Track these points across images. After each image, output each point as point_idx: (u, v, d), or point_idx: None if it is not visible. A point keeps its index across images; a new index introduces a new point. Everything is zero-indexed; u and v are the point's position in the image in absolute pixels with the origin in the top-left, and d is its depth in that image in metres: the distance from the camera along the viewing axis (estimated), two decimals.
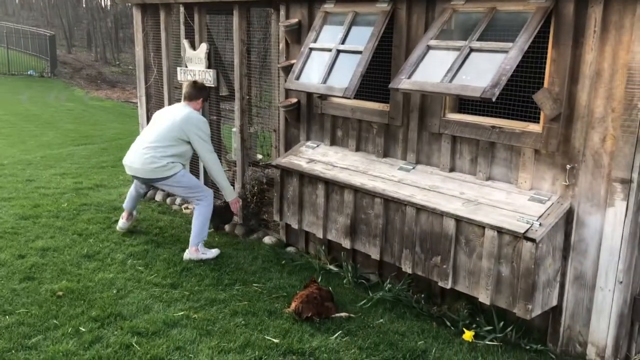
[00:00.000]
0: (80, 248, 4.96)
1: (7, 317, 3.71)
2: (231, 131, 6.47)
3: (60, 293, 4.07)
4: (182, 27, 6.16)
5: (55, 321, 3.69)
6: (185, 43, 6.00)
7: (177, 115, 4.95)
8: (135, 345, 3.43)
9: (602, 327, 3.36)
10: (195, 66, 5.91)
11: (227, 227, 5.73)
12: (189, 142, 4.92)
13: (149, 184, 5.24)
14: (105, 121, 14.50)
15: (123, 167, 8.73)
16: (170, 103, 6.45)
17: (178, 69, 6.17)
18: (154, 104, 6.78)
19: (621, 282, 3.26)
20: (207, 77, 5.78)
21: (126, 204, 5.47)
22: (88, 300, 3.99)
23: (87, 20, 33.99)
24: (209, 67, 5.79)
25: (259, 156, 6.93)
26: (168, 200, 6.59)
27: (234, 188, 6.03)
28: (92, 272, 4.47)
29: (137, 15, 6.67)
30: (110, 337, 3.52)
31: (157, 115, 5.20)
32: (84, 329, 3.59)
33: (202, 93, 5.13)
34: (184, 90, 5.12)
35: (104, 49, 30.55)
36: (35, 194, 6.67)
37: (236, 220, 5.79)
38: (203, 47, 5.78)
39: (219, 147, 6.23)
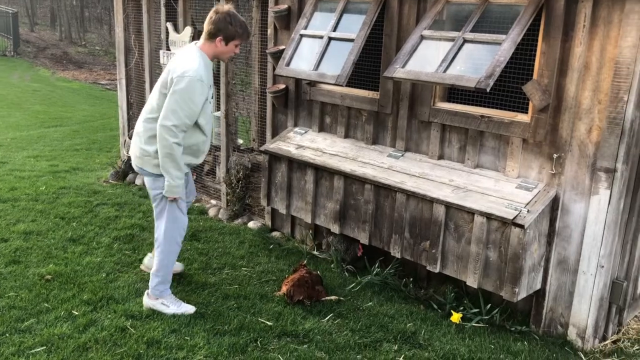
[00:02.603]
0: (64, 232, 4.91)
1: None
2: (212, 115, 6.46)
3: (49, 277, 4.04)
4: (163, 10, 6.10)
5: (46, 304, 3.67)
6: (168, 26, 5.93)
7: (174, 66, 3.46)
8: (130, 328, 3.45)
9: (584, 309, 3.53)
10: (179, 50, 5.85)
11: (211, 212, 5.75)
12: (197, 127, 3.56)
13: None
14: (74, 103, 14.19)
15: (98, 150, 8.67)
16: (151, 86, 6.39)
17: (161, 52, 6.10)
18: (135, 86, 6.70)
19: (602, 267, 3.43)
20: None
21: None
22: (78, 283, 3.98)
23: None
24: None
25: (240, 141, 6.94)
26: None
27: (216, 175, 6.03)
28: (79, 256, 4.44)
29: None
30: (104, 320, 3.52)
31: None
32: (77, 313, 3.59)
33: (221, 28, 3.47)
34: None
35: (69, 28, 29.70)
36: (11, 177, 6.54)
37: (220, 205, 5.81)
38: (188, 31, 5.73)
39: None
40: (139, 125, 3.67)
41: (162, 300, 3.66)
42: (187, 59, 3.45)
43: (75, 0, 31.11)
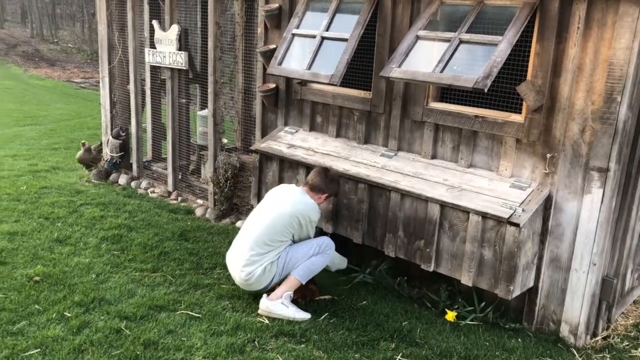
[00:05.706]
0: (49, 232, 4.81)
1: None
2: (197, 114, 6.40)
3: (37, 278, 3.95)
4: (147, 7, 6.03)
5: (37, 306, 3.58)
6: (154, 24, 5.86)
7: (288, 204, 3.83)
8: (125, 329, 3.39)
9: (576, 306, 3.59)
10: (165, 48, 5.79)
11: (198, 211, 5.69)
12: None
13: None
14: (49, 101, 13.93)
15: (77, 149, 8.53)
16: (136, 85, 6.31)
17: (146, 50, 6.02)
18: (118, 84, 6.60)
19: (595, 264, 3.50)
20: (179, 60, 5.68)
21: None
22: (68, 285, 3.90)
23: None
24: (180, 49, 5.69)
25: (224, 140, 6.89)
26: (133, 183, 6.46)
27: (202, 174, 5.97)
28: (67, 257, 4.35)
29: None
30: (97, 321, 3.46)
31: (265, 202, 4.02)
32: (69, 314, 3.51)
33: (330, 187, 3.97)
34: (310, 176, 3.99)
35: (40, 25, 29.11)
36: None
37: (207, 204, 5.76)
38: (174, 29, 5.67)
39: (188, 131, 6.15)
40: (246, 260, 3.80)
41: (282, 301, 3.74)
42: (303, 197, 3.88)
43: None
